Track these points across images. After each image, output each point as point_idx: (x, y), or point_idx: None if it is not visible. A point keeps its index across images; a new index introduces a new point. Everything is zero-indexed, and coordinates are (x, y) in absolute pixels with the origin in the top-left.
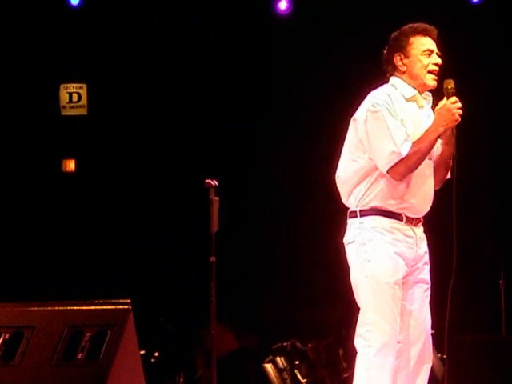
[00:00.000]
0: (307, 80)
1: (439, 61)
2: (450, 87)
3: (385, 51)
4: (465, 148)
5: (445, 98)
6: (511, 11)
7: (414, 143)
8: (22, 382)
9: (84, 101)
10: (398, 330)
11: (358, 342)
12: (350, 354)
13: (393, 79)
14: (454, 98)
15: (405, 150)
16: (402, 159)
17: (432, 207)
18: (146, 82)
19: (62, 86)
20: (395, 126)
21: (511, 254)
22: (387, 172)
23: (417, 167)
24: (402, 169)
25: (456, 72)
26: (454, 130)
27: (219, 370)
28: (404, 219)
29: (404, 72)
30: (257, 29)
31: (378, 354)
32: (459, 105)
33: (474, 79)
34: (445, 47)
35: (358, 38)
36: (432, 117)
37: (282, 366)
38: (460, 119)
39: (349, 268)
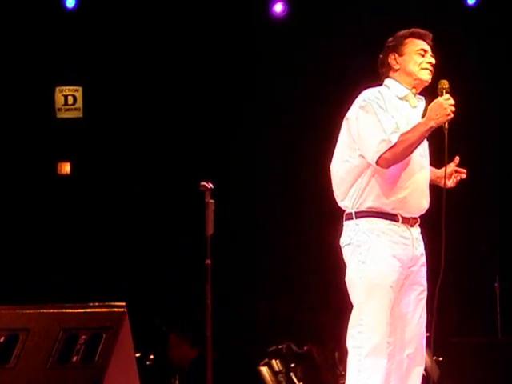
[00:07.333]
0: (305, 81)
1: (433, 60)
2: (444, 86)
3: (381, 55)
4: (461, 152)
5: (439, 97)
6: (507, 13)
7: (403, 133)
8: None
9: (79, 103)
10: (389, 332)
11: (350, 342)
12: (346, 357)
13: (386, 81)
14: (447, 95)
15: (394, 138)
16: (391, 147)
17: (429, 209)
18: (141, 84)
19: (57, 89)
20: (385, 117)
21: (506, 257)
22: (376, 162)
23: (404, 157)
24: (389, 155)
25: (452, 73)
26: (446, 125)
27: (181, 380)
28: (400, 220)
29: (398, 70)
30: (253, 31)
31: (368, 355)
32: (452, 101)
33: (470, 81)
34: (440, 49)
35: (355, 39)
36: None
37: (277, 368)
38: (452, 115)
39: (345, 270)
